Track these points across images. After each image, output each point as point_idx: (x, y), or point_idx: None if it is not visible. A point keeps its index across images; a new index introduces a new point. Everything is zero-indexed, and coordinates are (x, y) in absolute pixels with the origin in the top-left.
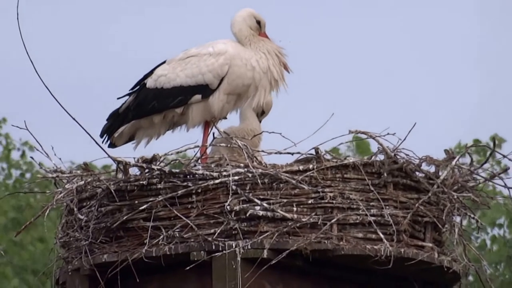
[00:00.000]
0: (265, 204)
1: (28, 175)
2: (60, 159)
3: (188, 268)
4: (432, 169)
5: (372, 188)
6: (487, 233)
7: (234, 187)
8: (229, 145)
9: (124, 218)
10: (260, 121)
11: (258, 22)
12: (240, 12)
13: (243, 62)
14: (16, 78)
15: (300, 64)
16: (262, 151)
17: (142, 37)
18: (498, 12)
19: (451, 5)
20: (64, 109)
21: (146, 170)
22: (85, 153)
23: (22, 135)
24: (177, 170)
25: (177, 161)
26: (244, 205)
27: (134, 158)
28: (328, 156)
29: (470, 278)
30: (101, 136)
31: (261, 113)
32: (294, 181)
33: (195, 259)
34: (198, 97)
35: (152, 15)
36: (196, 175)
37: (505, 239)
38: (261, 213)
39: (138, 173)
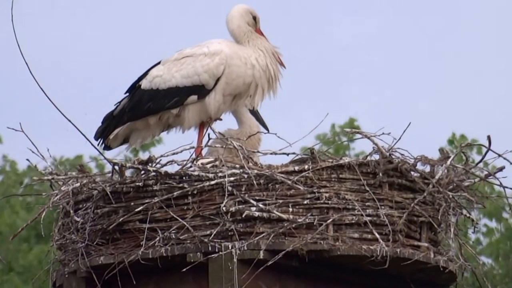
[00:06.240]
0: (261, 205)
1: None
2: (56, 160)
3: (184, 269)
4: (427, 168)
5: (368, 188)
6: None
7: (229, 188)
8: (224, 146)
9: (120, 220)
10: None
11: (254, 18)
12: (236, 8)
13: (242, 61)
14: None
15: (295, 63)
16: (258, 151)
17: (135, 37)
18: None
19: (452, 5)
20: (61, 113)
21: (142, 172)
22: (72, 153)
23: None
24: (173, 172)
25: (172, 162)
26: (240, 206)
27: (131, 160)
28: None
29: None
30: (96, 138)
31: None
32: (289, 182)
33: (192, 260)
34: (194, 97)
35: (143, 15)
36: (192, 177)
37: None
38: (257, 214)
39: (134, 175)
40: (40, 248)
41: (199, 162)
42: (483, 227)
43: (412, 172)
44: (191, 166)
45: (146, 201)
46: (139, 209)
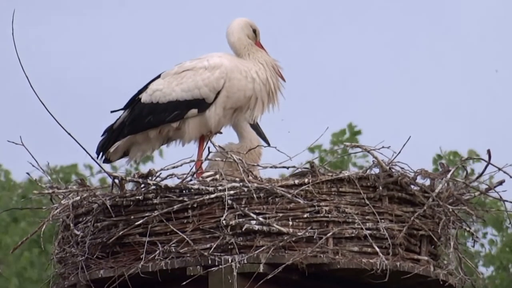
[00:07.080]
0: (260, 219)
1: None
2: (50, 170)
3: (184, 283)
4: (427, 182)
5: (368, 202)
6: (484, 237)
7: (229, 202)
8: (224, 160)
9: (120, 233)
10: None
11: (254, 31)
12: (237, 21)
13: (243, 74)
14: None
15: (295, 76)
16: (257, 165)
17: (136, 49)
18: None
19: (449, 17)
20: (61, 126)
21: (142, 185)
22: (65, 161)
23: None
24: (173, 185)
25: (172, 175)
26: (240, 220)
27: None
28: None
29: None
30: (97, 153)
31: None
32: (289, 195)
33: (192, 274)
34: (194, 111)
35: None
36: (192, 190)
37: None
38: (257, 227)
39: (134, 188)
40: (31, 251)
41: (201, 176)
42: (483, 239)
43: (412, 186)
44: (191, 180)
45: (146, 214)
46: (139, 222)
